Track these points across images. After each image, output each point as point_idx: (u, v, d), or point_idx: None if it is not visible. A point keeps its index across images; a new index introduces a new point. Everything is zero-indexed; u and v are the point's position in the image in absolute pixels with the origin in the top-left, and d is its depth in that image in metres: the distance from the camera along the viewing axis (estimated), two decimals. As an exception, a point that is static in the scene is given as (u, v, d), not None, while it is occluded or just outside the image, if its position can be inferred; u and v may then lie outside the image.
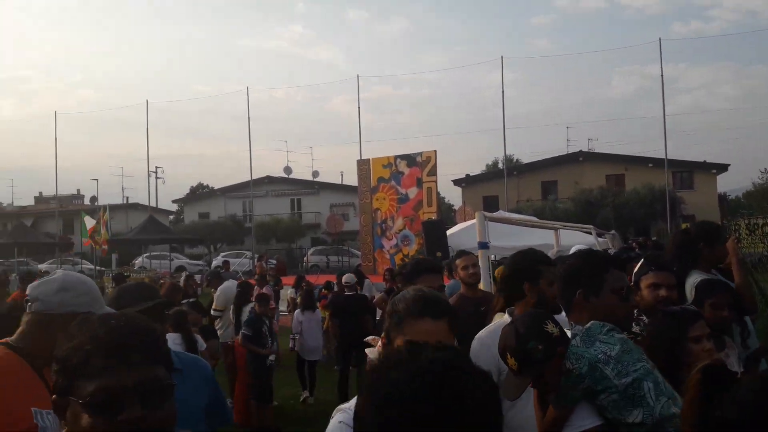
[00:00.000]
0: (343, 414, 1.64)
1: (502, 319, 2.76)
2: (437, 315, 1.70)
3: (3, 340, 1.90)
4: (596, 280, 2.11)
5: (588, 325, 2.00)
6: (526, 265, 2.72)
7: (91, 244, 22.41)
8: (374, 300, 9.60)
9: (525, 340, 1.90)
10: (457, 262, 4.68)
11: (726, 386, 1.15)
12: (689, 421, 1.20)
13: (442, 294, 2.72)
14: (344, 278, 9.15)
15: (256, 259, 27.80)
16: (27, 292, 1.90)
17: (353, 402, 1.27)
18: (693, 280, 3.35)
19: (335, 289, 10.53)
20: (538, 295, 2.60)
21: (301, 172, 52.81)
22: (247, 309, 7.61)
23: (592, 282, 2.12)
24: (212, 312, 8.33)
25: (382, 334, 1.82)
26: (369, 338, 2.46)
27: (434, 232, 12.13)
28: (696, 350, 2.30)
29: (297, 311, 8.88)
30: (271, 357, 7.06)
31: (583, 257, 2.28)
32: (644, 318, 2.87)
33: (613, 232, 14.71)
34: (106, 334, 1.15)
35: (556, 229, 12.55)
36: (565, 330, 2.02)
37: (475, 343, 2.71)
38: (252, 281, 10.38)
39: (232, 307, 8.01)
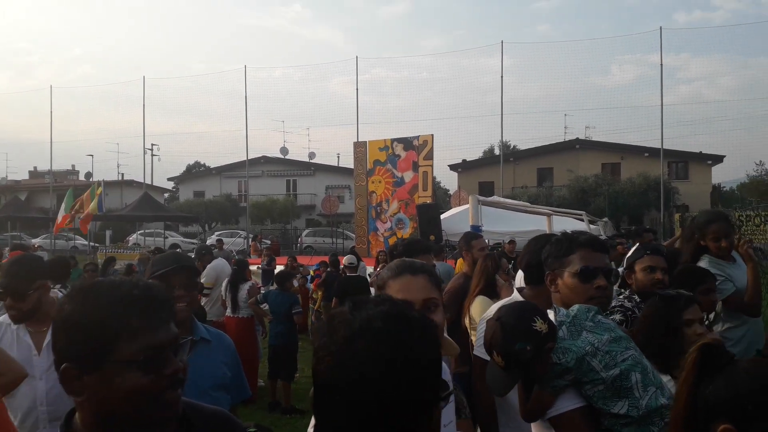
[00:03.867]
0: None
1: (509, 298, 2.70)
2: (415, 271, 1.74)
3: None
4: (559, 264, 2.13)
5: (573, 310, 1.94)
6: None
7: (72, 219, 20.95)
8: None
9: (512, 341, 1.83)
10: (474, 242, 4.84)
11: (721, 367, 1.14)
12: (681, 398, 1.18)
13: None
14: (346, 260, 9.17)
15: (250, 239, 27.93)
16: None
17: None
18: (704, 264, 3.50)
19: (329, 269, 10.56)
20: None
21: (298, 153, 52.74)
22: (245, 287, 7.50)
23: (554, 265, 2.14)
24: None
25: None
26: None
27: (428, 216, 12.40)
28: (689, 333, 2.32)
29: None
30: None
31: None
32: (636, 297, 2.96)
33: (605, 219, 14.91)
34: (142, 295, 1.19)
35: (548, 215, 13.07)
36: (551, 317, 1.95)
37: (481, 324, 2.68)
38: (252, 260, 10.26)
39: (224, 284, 7.97)
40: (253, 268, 10.59)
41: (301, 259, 17.23)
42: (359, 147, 21.71)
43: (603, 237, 9.69)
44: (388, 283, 1.73)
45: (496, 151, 42.34)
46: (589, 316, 1.90)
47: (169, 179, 52.82)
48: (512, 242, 11.29)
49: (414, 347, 1.02)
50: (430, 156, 19.87)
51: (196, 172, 54.95)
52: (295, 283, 9.20)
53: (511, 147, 45.10)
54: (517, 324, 1.86)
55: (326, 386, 1.03)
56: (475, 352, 2.56)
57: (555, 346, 1.85)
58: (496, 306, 2.70)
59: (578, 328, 1.88)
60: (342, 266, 9.68)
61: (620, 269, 3.58)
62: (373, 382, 0.98)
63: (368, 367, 0.98)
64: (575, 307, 1.95)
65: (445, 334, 1.89)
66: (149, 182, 37.04)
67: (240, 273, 7.73)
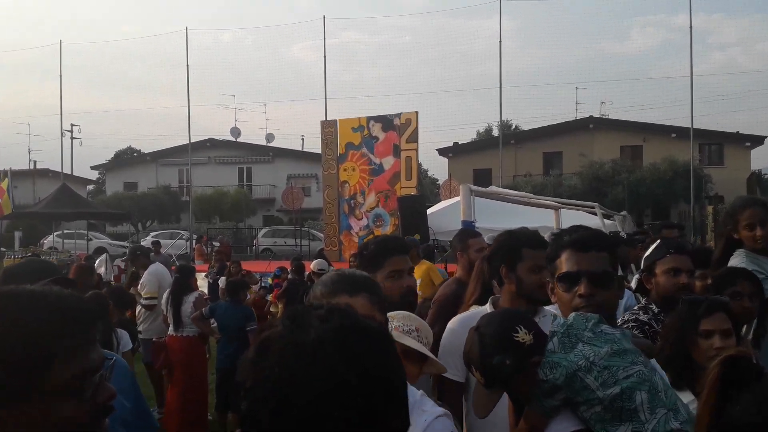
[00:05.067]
0: None
1: (479, 309, 2.88)
2: (355, 290, 1.80)
3: None
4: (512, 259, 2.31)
5: (570, 318, 1.98)
6: (506, 246, 2.78)
7: None
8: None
9: (489, 354, 1.88)
10: (471, 242, 4.85)
11: (749, 383, 1.15)
12: (702, 421, 1.20)
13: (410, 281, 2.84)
14: (315, 265, 9.15)
15: (194, 241, 27.75)
16: None
17: None
18: (737, 261, 3.49)
19: (290, 276, 10.48)
20: (517, 284, 2.67)
21: (252, 135, 52.47)
22: (190, 299, 7.44)
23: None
24: (143, 301, 8.24)
25: None
26: None
27: (413, 210, 12.26)
28: (704, 347, 2.36)
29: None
30: None
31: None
32: (653, 307, 2.98)
33: (623, 213, 14.95)
34: (74, 307, 1.19)
35: (556, 208, 12.90)
36: (546, 323, 2.01)
37: (445, 335, 2.82)
38: (197, 267, 10.01)
39: (165, 296, 7.87)
40: (200, 277, 10.57)
41: (257, 265, 17.25)
42: (328, 127, 21.66)
43: (623, 234, 9.62)
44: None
45: (495, 132, 42.57)
46: (588, 326, 1.92)
47: (94, 168, 52.30)
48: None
49: (385, 369, 1.03)
50: (414, 138, 19.85)
51: (126, 159, 54.41)
52: (261, 287, 9.09)
53: (512, 127, 45.39)
54: (496, 334, 1.90)
55: None
56: (446, 374, 2.61)
57: (542, 360, 1.88)
58: (457, 318, 2.85)
59: (573, 339, 1.90)
60: (309, 273, 9.65)
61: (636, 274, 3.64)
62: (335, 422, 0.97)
63: (330, 409, 0.97)
64: (572, 315, 1.99)
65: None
66: (68, 172, 36.58)
67: (183, 282, 7.69)
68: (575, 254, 2.12)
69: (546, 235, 4.41)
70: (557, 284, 2.15)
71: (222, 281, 11.68)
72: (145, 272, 8.33)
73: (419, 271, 6.41)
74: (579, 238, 2.16)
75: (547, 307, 2.58)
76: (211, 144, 46.30)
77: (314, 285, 1.93)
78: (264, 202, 45.61)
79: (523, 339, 1.87)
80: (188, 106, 30.87)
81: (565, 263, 2.14)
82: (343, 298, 1.78)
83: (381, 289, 1.97)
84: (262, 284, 11.90)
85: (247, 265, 14.25)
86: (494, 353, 1.87)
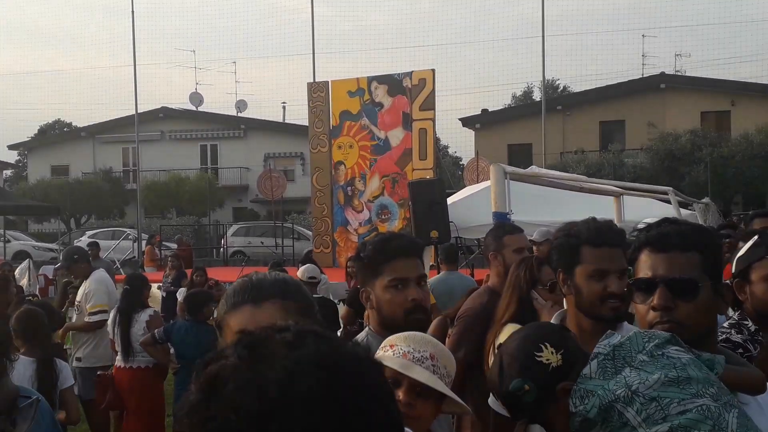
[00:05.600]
0: None
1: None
2: (261, 297, 1.87)
3: None
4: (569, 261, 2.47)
5: (627, 334, 2.01)
6: (563, 244, 2.79)
7: None
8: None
9: (507, 378, 1.95)
10: (507, 239, 4.89)
11: None
12: None
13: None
14: (303, 272, 9.14)
15: (143, 242, 27.57)
16: None
17: None
18: None
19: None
20: (575, 295, 2.69)
21: (219, 103, 52.29)
22: (142, 318, 7.52)
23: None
24: (88, 317, 8.14)
25: None
26: None
27: (429, 199, 11.83)
28: None
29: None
30: None
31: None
32: (749, 324, 2.99)
33: (706, 200, 14.78)
34: None
35: (616, 195, 12.94)
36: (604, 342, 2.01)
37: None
38: (149, 275, 10.01)
39: (111, 315, 7.82)
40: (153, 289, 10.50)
41: (227, 273, 17.05)
42: (317, 91, 21.45)
43: (708, 226, 9.73)
44: (226, 320, 1.87)
45: (536, 96, 42.36)
46: (647, 347, 1.93)
47: (12, 147, 52.27)
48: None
49: (377, 415, 1.01)
50: (430, 104, 19.55)
51: (54, 135, 54.47)
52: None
53: (559, 89, 45.26)
54: (515, 352, 1.96)
55: None
56: (489, 402, 2.66)
57: (573, 387, 1.90)
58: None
59: (620, 363, 1.92)
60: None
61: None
62: None
63: None
64: (634, 332, 2.01)
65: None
66: (-22, 153, 36.61)
67: (133, 296, 7.67)
68: (652, 255, 2.13)
69: (629, 231, 4.47)
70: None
71: (181, 294, 11.67)
72: (88, 280, 8.25)
73: None
74: (657, 235, 2.16)
75: (629, 326, 2.61)
76: (164, 115, 46.28)
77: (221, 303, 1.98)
78: (234, 190, 45.56)
79: (547, 359, 1.91)
80: (134, 65, 30.84)
81: (641, 267, 2.15)
82: (245, 310, 1.84)
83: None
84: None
85: (213, 273, 14.30)
86: (512, 377, 1.92)
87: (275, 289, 1.89)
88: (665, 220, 2.23)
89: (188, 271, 14.01)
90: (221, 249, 33.43)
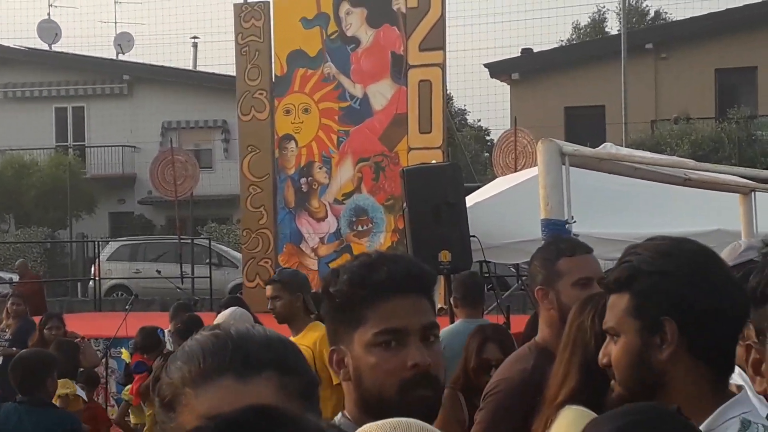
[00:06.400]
0: None
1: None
2: (248, 368, 1.51)
3: None
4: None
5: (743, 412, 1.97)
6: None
7: None
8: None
9: None
10: (564, 265, 3.93)
11: None
12: None
13: None
14: (221, 318, 8.06)
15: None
16: None
17: None
18: None
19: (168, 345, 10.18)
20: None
21: (87, 38, 46.61)
22: None
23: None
24: None
25: None
26: None
27: (435, 199, 10.65)
28: None
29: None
30: None
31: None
32: None
33: None
34: None
35: (744, 192, 11.47)
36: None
37: None
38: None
39: None
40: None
41: (100, 323, 15.70)
42: (251, 18, 17.64)
43: None
44: (185, 397, 1.53)
45: (612, 29, 35.77)
46: None
47: None
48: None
49: None
50: (437, 41, 16.07)
51: None
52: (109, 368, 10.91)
53: (649, 16, 38.08)
54: None
55: None
56: None
57: None
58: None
59: None
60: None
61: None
62: None
63: None
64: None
65: None
66: None
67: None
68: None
69: (728, 249, 4.87)
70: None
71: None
72: None
73: (308, 338, 6.46)
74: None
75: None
76: (2, 60, 36.62)
77: (169, 360, 1.63)
78: (112, 183, 35.22)
79: None
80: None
81: None
82: (228, 387, 1.45)
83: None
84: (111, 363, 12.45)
85: (75, 322, 13.32)
86: None
87: (269, 357, 1.47)
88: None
89: (37, 319, 11.75)
90: (90, 282, 25.53)
